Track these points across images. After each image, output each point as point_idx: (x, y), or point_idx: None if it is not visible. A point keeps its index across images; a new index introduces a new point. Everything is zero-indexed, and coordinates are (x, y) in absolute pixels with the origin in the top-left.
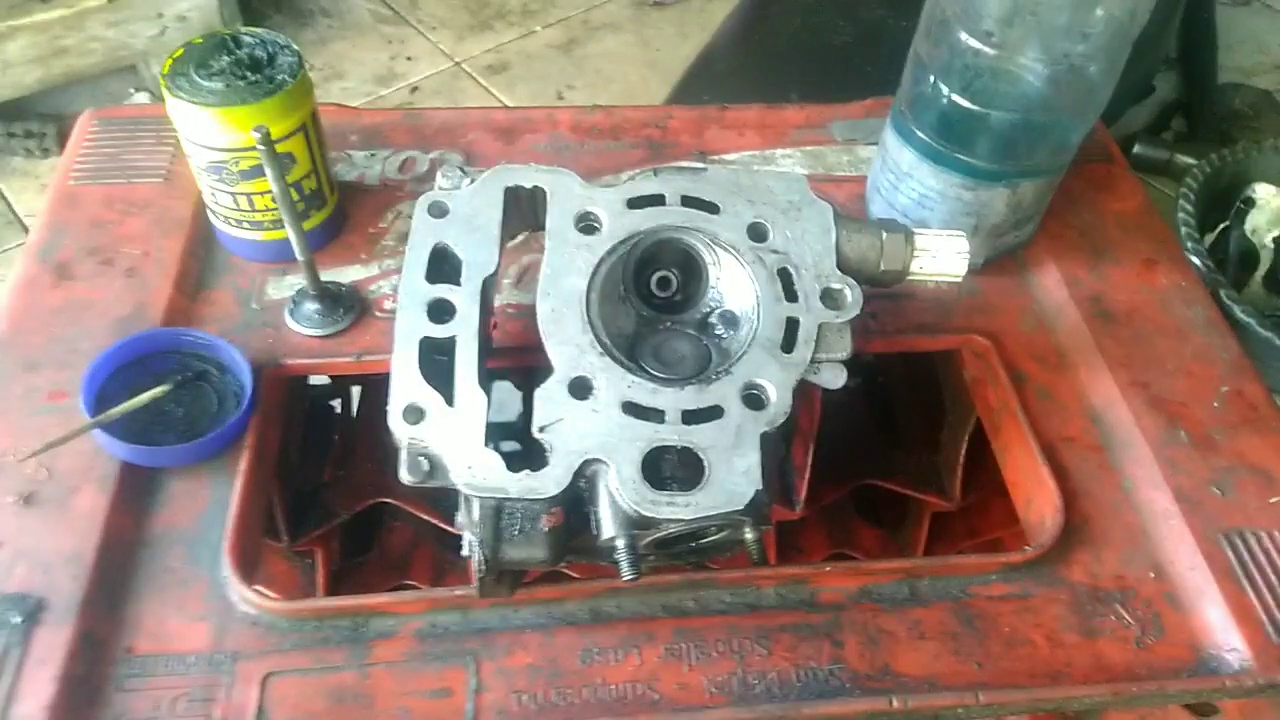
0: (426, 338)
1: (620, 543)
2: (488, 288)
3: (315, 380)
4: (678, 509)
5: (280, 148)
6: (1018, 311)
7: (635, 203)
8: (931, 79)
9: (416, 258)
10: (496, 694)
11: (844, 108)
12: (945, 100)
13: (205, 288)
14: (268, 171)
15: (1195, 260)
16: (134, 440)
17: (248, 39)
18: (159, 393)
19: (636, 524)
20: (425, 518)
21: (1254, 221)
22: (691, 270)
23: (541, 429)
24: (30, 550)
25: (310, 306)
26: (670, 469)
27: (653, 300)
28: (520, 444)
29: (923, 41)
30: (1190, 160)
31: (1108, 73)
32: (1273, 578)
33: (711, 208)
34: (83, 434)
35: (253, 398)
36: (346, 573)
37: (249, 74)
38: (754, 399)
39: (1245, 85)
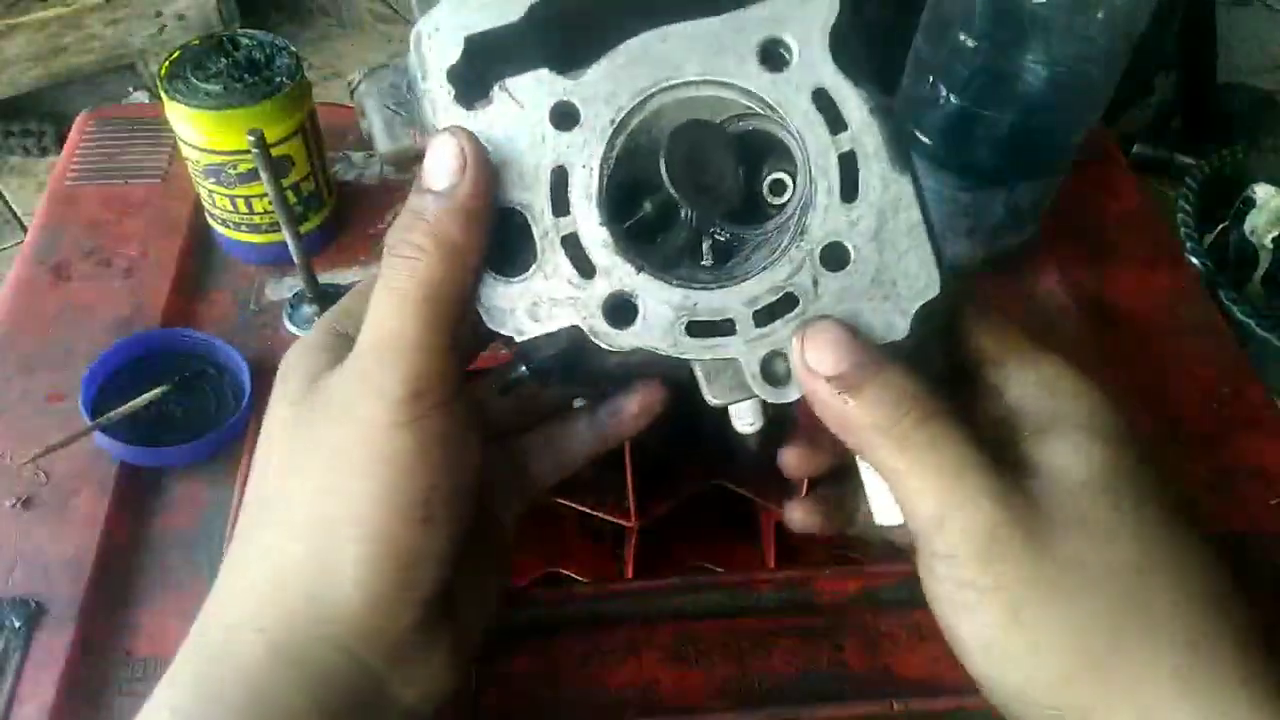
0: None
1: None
2: None
3: None
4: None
5: (278, 150)
6: (1018, 312)
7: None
8: (931, 80)
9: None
10: (496, 695)
11: None
12: (944, 101)
13: (203, 289)
14: (262, 175)
15: (1195, 260)
16: (133, 441)
17: (245, 41)
18: (158, 394)
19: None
20: None
21: (1253, 222)
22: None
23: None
24: (30, 554)
25: (308, 309)
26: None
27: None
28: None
29: (923, 42)
30: (1190, 160)
31: (1108, 74)
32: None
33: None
34: (84, 436)
35: (251, 397)
36: None
37: (246, 76)
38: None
39: (1245, 85)
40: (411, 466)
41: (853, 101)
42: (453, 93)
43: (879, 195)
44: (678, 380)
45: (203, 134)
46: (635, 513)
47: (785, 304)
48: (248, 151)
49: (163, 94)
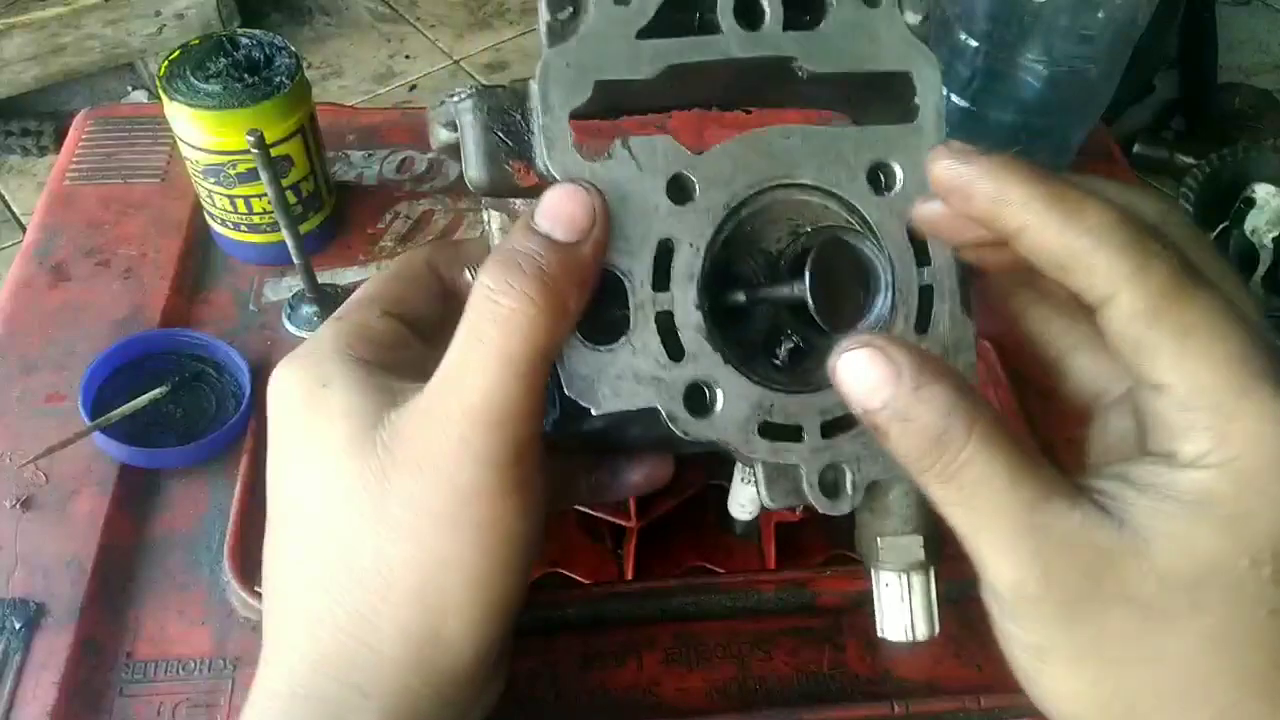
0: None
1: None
2: None
3: None
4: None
5: (277, 151)
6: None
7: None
8: None
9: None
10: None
11: None
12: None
13: (203, 289)
14: (262, 175)
15: None
16: (133, 442)
17: (245, 40)
18: (157, 394)
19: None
20: None
21: (1253, 222)
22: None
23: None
24: (29, 555)
25: (308, 309)
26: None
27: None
28: None
29: None
30: (1190, 160)
31: (1108, 74)
32: None
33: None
34: (83, 437)
35: (251, 398)
36: None
37: (246, 76)
38: None
39: (1245, 85)
40: (515, 529)
41: (939, 240)
42: (572, 135)
43: (946, 333)
44: (691, 452)
45: (203, 134)
46: (635, 513)
47: (851, 419)
48: (247, 151)
49: (162, 94)
